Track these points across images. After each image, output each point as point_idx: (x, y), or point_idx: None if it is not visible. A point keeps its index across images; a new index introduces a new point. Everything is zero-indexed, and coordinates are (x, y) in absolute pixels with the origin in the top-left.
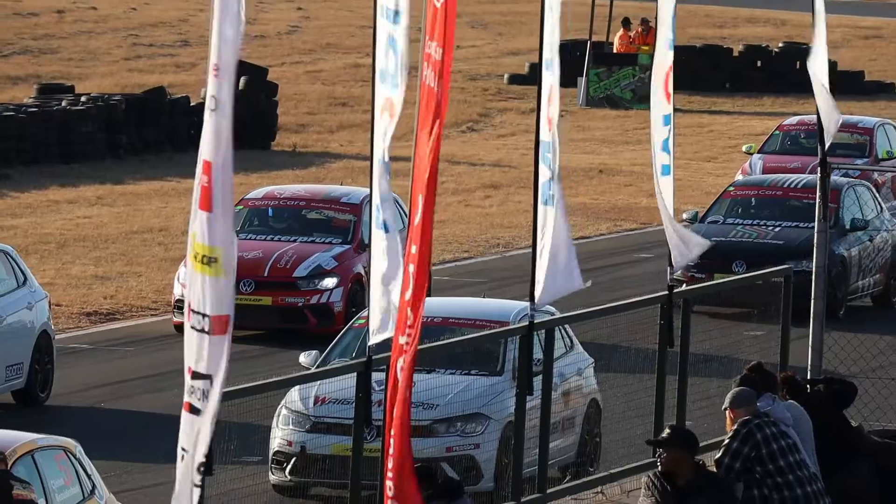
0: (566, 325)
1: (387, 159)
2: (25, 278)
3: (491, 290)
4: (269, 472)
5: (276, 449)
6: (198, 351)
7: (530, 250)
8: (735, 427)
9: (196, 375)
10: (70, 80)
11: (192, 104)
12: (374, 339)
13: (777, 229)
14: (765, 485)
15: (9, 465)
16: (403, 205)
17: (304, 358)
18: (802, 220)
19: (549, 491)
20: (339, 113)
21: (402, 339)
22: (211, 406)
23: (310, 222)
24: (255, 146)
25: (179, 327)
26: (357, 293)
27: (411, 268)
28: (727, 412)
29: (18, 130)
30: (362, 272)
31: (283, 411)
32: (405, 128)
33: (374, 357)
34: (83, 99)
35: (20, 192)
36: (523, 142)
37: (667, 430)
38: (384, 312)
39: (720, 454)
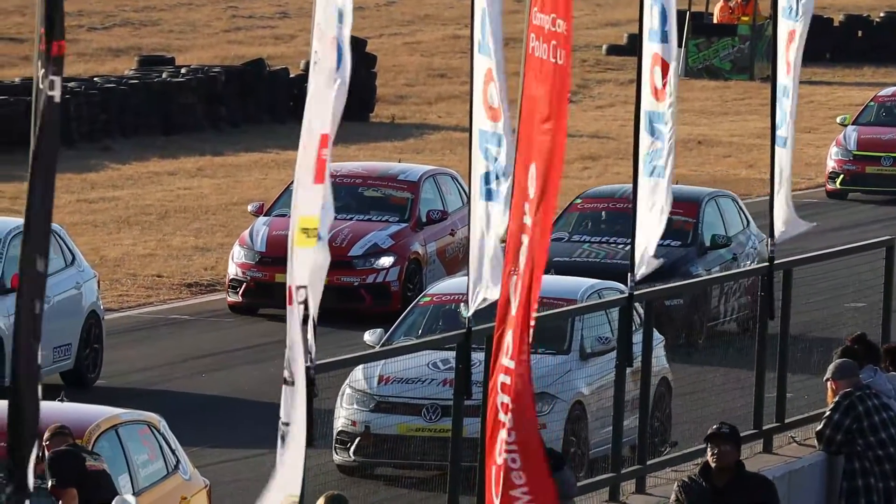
0: (636, 303)
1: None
2: (74, 258)
3: None
4: (333, 452)
5: (339, 429)
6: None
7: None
8: (837, 399)
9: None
10: (170, 52)
11: (291, 76)
12: (472, 310)
13: (628, 248)
14: (866, 458)
15: (92, 441)
16: (463, 182)
17: (369, 336)
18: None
19: (648, 462)
20: (437, 84)
21: (513, 311)
22: (296, 378)
23: (366, 200)
24: (354, 118)
25: (234, 307)
26: (414, 272)
27: (525, 238)
28: (829, 384)
29: (119, 102)
30: (419, 251)
31: (347, 390)
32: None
33: (472, 329)
34: (183, 71)
35: (121, 164)
36: (622, 113)
37: (724, 426)
38: (483, 283)
39: (821, 426)
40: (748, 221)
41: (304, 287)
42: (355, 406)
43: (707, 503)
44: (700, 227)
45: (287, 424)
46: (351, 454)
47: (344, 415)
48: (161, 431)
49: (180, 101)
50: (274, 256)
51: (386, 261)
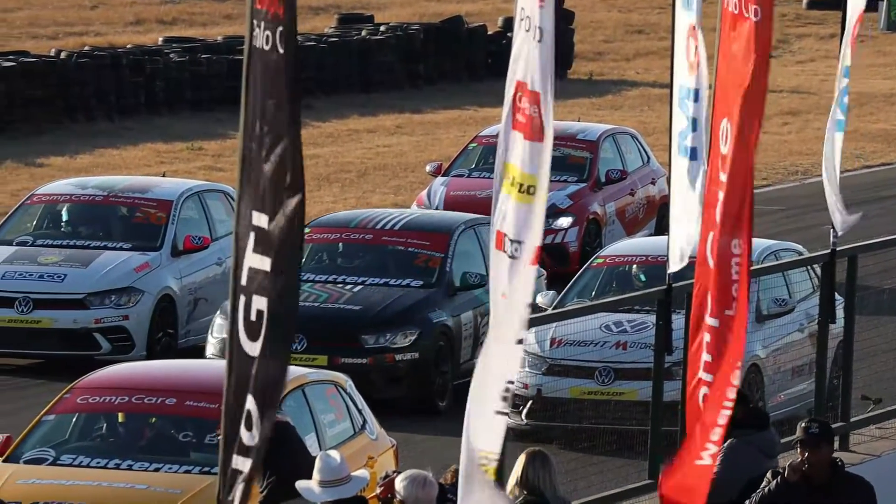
0: (814, 265)
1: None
2: None
3: (788, 219)
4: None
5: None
6: (509, 278)
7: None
8: None
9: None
10: (369, 10)
11: (489, 33)
12: (673, 268)
13: (357, 288)
14: None
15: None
16: (643, 141)
17: (541, 298)
18: (394, 274)
19: (852, 420)
20: (635, 40)
21: (711, 268)
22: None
23: None
24: None
25: None
26: (593, 232)
27: (720, 195)
28: None
29: (319, 60)
30: (598, 211)
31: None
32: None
33: (673, 285)
34: (382, 29)
35: (321, 122)
36: (823, 67)
37: (812, 425)
38: (684, 240)
39: None
40: None
41: (523, 243)
42: (527, 369)
43: (804, 501)
44: (449, 263)
45: (511, 383)
46: (523, 417)
47: (515, 378)
48: (348, 391)
49: (379, 59)
50: None
51: (564, 221)
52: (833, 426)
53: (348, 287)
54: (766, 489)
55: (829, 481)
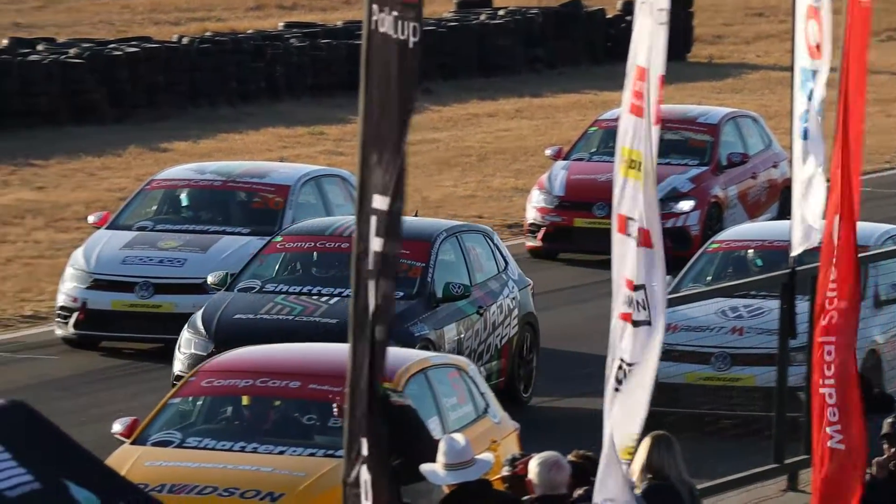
0: None
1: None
2: None
3: None
4: None
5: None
6: (626, 259)
7: None
8: None
9: (634, 286)
10: None
11: (608, 16)
12: (796, 251)
13: (333, 300)
14: None
15: (402, 383)
16: (765, 124)
17: None
18: None
19: None
20: (755, 23)
21: (834, 251)
22: (654, 317)
23: (666, 143)
24: (671, 58)
25: (533, 251)
26: (714, 216)
27: (842, 178)
28: None
29: (439, 45)
30: (720, 194)
31: None
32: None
33: (796, 269)
34: (501, 13)
35: (441, 106)
36: None
37: None
38: (804, 223)
39: None
40: (506, 263)
41: (633, 219)
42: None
43: (893, 497)
44: (431, 273)
45: (631, 365)
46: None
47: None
48: (470, 375)
49: (498, 43)
50: (573, 201)
51: (686, 205)
52: None
53: (324, 299)
54: (872, 470)
55: None
